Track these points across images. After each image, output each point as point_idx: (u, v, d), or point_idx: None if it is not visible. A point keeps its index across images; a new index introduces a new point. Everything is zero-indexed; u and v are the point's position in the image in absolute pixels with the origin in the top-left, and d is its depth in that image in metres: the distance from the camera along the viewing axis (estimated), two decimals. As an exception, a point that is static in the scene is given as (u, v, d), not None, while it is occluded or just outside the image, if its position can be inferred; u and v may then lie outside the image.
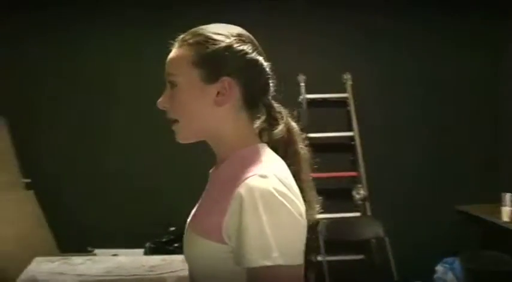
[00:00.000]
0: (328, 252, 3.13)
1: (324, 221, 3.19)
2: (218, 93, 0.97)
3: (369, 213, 3.47)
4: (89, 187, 3.47)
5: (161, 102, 1.01)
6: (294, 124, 1.07)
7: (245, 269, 0.86)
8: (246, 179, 0.89)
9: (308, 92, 3.54)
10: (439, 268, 3.38)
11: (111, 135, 3.51)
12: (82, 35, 3.50)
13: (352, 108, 3.58)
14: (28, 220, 3.11)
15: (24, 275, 2.14)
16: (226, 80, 0.97)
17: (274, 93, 1.07)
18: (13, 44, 3.44)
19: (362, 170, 3.51)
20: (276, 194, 0.87)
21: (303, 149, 1.06)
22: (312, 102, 3.54)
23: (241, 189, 0.88)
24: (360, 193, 3.45)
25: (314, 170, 1.09)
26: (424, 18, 3.65)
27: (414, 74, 3.69)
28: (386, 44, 3.66)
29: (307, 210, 1.00)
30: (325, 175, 3.47)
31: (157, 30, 2.80)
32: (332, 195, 3.61)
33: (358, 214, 3.51)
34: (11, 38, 3.44)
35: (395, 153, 3.62)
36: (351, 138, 3.58)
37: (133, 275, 2.21)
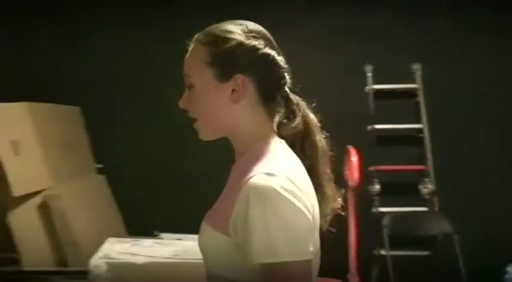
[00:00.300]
0: (393, 246, 3.07)
1: (389, 214, 3.14)
2: (233, 90, 0.99)
3: (436, 208, 3.36)
4: (156, 173, 3.59)
5: (181, 103, 1.05)
6: (312, 116, 1.08)
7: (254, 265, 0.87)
8: (253, 176, 0.90)
9: (375, 83, 3.47)
10: (511, 269, 3.22)
11: (179, 122, 3.59)
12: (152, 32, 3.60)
13: (421, 99, 3.46)
14: (100, 203, 3.27)
15: (99, 253, 2.26)
16: (239, 78, 0.99)
17: (291, 86, 1.07)
18: (88, 39, 3.59)
19: (430, 163, 3.40)
20: (281, 192, 0.88)
21: (320, 141, 1.07)
22: (379, 93, 3.46)
23: (248, 187, 0.89)
24: (427, 187, 3.35)
25: (330, 165, 1.09)
26: (500, 7, 3.46)
27: (487, 65, 3.51)
28: (458, 34, 3.50)
29: (325, 204, 1.03)
30: (391, 168, 3.40)
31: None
32: (398, 188, 3.57)
33: (425, 209, 3.41)
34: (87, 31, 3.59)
35: (465, 147, 3.47)
36: (419, 130, 3.47)
37: (200, 259, 2.26)
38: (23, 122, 2.84)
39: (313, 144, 1.06)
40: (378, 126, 3.42)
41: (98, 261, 2.17)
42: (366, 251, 3.21)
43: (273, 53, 1.02)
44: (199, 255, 2.35)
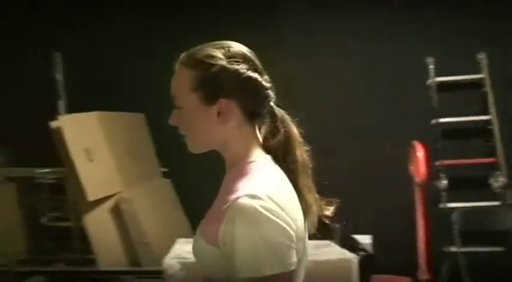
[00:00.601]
0: (464, 243, 2.96)
1: (459, 210, 3.04)
2: (219, 113, 1.03)
3: (509, 202, 3.22)
4: (218, 176, 3.65)
5: (170, 120, 1.10)
6: (294, 130, 1.11)
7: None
8: (238, 198, 0.95)
9: (437, 75, 3.37)
10: None
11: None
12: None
13: (488, 89, 3.32)
14: (167, 205, 3.39)
15: (171, 253, 2.34)
16: (223, 102, 1.02)
17: (276, 103, 1.10)
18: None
19: (501, 156, 3.25)
20: (263, 211, 0.93)
21: (301, 155, 1.10)
22: (442, 86, 3.36)
23: (233, 208, 0.95)
24: (498, 181, 3.21)
25: (314, 176, 1.12)
26: None
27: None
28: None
29: (309, 213, 1.07)
30: (458, 162, 3.28)
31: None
32: (467, 183, 3.45)
33: (496, 203, 3.27)
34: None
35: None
36: (488, 122, 3.33)
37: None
38: (94, 130, 3.00)
39: (294, 159, 1.09)
40: (442, 120, 3.32)
41: (171, 261, 2.25)
42: (436, 248, 3.13)
43: (255, 75, 1.05)
44: None
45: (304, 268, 1.10)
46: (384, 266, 2.95)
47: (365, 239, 2.91)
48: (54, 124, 2.84)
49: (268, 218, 0.94)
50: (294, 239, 0.98)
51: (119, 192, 2.97)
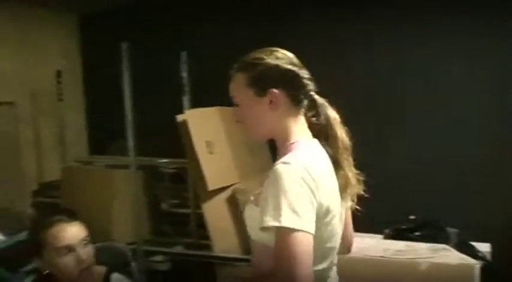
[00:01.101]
0: None
1: None
2: (270, 101, 1.28)
3: None
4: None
5: (234, 117, 1.36)
6: (333, 113, 1.36)
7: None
8: (276, 164, 1.18)
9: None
10: None
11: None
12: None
13: None
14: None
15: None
16: (272, 91, 1.28)
17: (316, 90, 1.35)
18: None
19: None
20: (293, 176, 1.15)
21: (341, 135, 1.33)
22: None
23: (271, 172, 1.18)
24: None
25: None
26: None
27: None
28: None
29: (350, 188, 1.31)
30: None
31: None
32: None
33: None
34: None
35: None
36: None
37: (382, 257, 2.31)
38: (215, 124, 3.18)
39: (335, 137, 1.32)
40: None
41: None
42: None
43: (293, 68, 1.30)
44: (380, 253, 2.42)
45: (337, 244, 1.32)
46: (503, 277, 2.81)
47: (483, 247, 2.79)
48: (180, 118, 3.06)
49: (295, 181, 1.14)
50: (315, 207, 1.17)
51: (236, 183, 3.12)
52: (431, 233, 3.13)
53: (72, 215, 1.67)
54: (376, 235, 3.25)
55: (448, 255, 2.36)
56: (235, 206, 3.08)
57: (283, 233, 1.12)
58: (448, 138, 3.45)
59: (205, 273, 3.26)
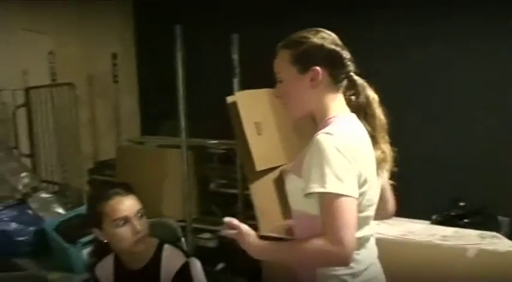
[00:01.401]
0: None
1: None
2: (311, 79, 1.34)
3: None
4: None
5: (275, 93, 1.43)
6: (372, 93, 1.43)
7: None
8: (317, 135, 1.27)
9: None
10: None
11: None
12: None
13: None
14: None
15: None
16: (315, 69, 1.34)
17: (356, 71, 1.41)
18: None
19: None
20: (334, 145, 1.24)
21: (379, 114, 1.42)
22: None
23: (313, 142, 1.27)
24: None
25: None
26: None
27: None
28: None
29: (385, 161, 1.40)
30: None
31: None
32: None
33: None
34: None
35: None
36: None
37: (429, 241, 2.30)
38: (264, 105, 3.22)
39: (373, 115, 1.41)
40: None
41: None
42: None
43: (337, 48, 1.36)
44: (428, 238, 2.43)
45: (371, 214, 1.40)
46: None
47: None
48: (230, 99, 3.13)
49: (336, 150, 1.23)
50: (355, 175, 1.26)
51: (283, 164, 3.16)
52: (481, 221, 3.08)
53: (128, 189, 1.75)
54: (424, 221, 3.22)
55: (497, 243, 2.31)
56: (282, 187, 3.12)
57: (329, 199, 1.21)
58: (506, 127, 3.37)
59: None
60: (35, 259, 2.95)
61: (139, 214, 1.73)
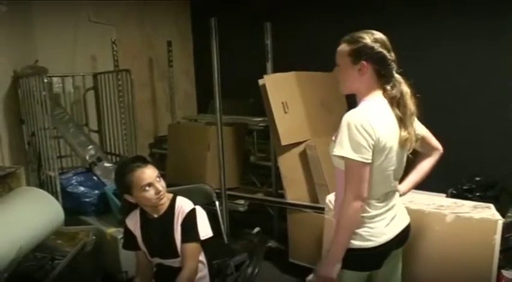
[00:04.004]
0: None
1: None
2: (359, 69, 1.78)
3: None
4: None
5: (333, 74, 1.88)
6: (405, 88, 1.81)
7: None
8: (346, 113, 1.72)
9: None
10: None
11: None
12: None
13: None
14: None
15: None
16: (363, 63, 1.77)
17: (397, 69, 1.81)
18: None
19: None
20: (354, 121, 1.67)
21: (410, 104, 1.80)
22: None
23: (343, 118, 1.71)
24: None
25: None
26: None
27: None
28: None
29: (408, 140, 1.80)
30: None
31: None
32: None
33: None
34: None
35: None
36: None
37: (418, 209, 2.54)
38: (291, 87, 3.55)
39: (404, 105, 1.80)
40: None
41: (331, 196, 2.72)
42: None
43: (384, 51, 1.77)
44: (420, 206, 2.79)
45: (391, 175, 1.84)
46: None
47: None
48: (261, 82, 3.50)
49: (356, 125, 1.67)
50: (372, 146, 1.69)
51: (308, 140, 3.49)
52: (494, 195, 3.22)
53: (145, 160, 2.18)
54: (440, 194, 3.42)
55: (483, 212, 2.45)
56: (305, 161, 3.47)
57: (347, 161, 1.70)
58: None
59: (278, 220, 3.74)
60: (98, 216, 3.57)
61: (158, 178, 2.16)
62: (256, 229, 3.94)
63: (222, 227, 2.88)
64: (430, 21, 3.78)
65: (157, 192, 2.13)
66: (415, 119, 1.86)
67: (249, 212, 3.78)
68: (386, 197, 1.86)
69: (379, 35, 1.79)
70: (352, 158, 1.67)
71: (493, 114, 3.58)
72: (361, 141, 1.66)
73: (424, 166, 2.06)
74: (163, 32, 5.10)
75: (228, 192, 3.59)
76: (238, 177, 4.17)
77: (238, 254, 3.11)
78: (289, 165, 3.51)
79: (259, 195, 3.84)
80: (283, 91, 3.51)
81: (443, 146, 2.06)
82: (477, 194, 3.21)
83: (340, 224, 1.74)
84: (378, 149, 1.71)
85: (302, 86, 3.59)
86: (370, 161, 1.70)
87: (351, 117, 1.69)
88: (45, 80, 3.35)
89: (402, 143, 1.79)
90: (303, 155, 3.49)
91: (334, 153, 1.71)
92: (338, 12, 4.18)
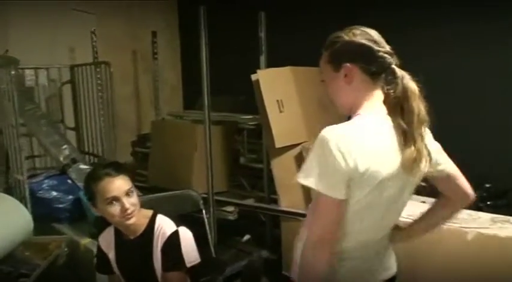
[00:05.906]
0: None
1: None
2: (345, 76, 1.33)
3: None
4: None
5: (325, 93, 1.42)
6: (411, 86, 1.31)
7: None
8: (323, 129, 1.25)
9: None
10: None
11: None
12: None
13: None
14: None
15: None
16: (346, 66, 1.32)
17: (397, 63, 1.33)
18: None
19: None
20: (332, 140, 1.22)
21: (418, 107, 1.29)
22: None
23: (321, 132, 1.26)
24: None
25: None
26: None
27: None
28: None
29: (419, 159, 1.27)
30: None
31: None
32: None
33: None
34: None
35: None
36: None
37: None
38: (287, 83, 3.26)
39: (410, 110, 1.29)
40: None
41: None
42: None
43: (368, 43, 1.31)
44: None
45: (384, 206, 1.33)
46: None
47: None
48: (253, 77, 3.19)
49: (330, 145, 1.22)
50: (348, 175, 1.22)
51: (304, 142, 3.20)
52: (504, 204, 3.00)
53: (119, 168, 1.85)
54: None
55: (505, 228, 2.23)
56: (302, 164, 3.18)
57: (313, 191, 1.26)
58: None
59: (270, 227, 3.47)
60: (71, 224, 3.25)
61: (129, 192, 1.82)
62: (247, 237, 3.66)
63: (209, 237, 2.63)
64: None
65: (124, 209, 1.79)
66: (428, 132, 1.37)
67: (239, 217, 3.49)
68: (368, 246, 1.39)
69: (359, 28, 1.34)
70: (318, 190, 1.23)
71: (503, 120, 3.39)
72: (332, 169, 1.21)
73: (440, 214, 1.51)
74: (148, 21, 4.77)
75: (216, 198, 3.30)
76: (227, 180, 3.87)
77: (227, 266, 2.83)
78: (283, 170, 3.22)
79: (250, 201, 3.54)
80: (278, 88, 3.22)
81: (450, 151, 1.46)
82: (488, 202, 2.96)
83: (302, 274, 1.32)
84: (359, 180, 1.24)
85: (298, 82, 3.29)
86: (343, 197, 1.24)
87: (327, 133, 1.23)
88: (13, 72, 3.01)
89: (407, 166, 1.28)
90: (299, 158, 3.20)
91: (298, 180, 1.27)
92: (338, 1, 3.90)
